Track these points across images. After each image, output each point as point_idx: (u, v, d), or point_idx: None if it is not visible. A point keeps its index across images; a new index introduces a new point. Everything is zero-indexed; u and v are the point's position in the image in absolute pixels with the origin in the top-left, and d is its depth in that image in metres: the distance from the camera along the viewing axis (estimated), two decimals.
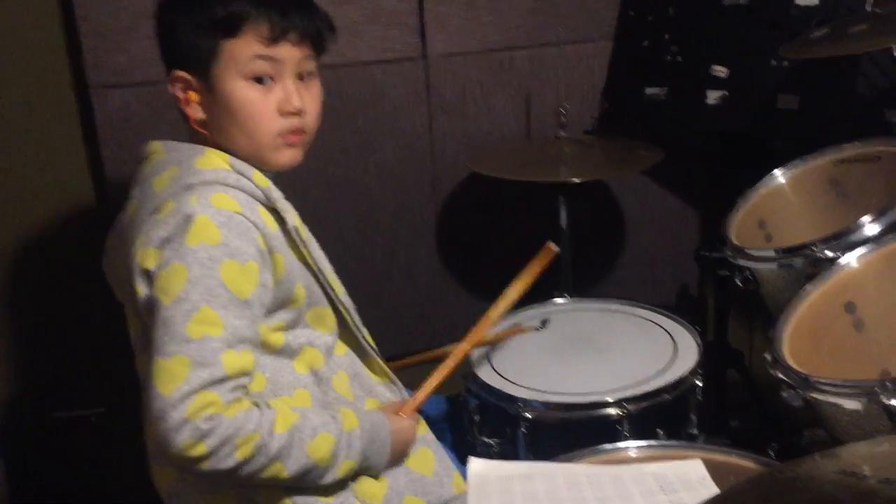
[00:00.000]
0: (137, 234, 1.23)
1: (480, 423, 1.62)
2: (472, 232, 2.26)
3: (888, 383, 1.06)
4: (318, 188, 2.10)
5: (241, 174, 1.25)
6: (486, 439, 1.61)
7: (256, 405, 1.20)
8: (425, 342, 1.70)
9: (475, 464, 1.21)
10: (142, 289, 1.21)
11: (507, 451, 1.57)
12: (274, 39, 1.25)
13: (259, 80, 1.26)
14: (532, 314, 1.85)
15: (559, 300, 1.91)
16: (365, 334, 1.44)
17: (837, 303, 1.35)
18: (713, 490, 1.12)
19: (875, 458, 0.84)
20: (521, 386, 1.58)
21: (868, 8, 1.83)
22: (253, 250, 1.20)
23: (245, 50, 1.24)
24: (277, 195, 1.28)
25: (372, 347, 1.44)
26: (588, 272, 2.33)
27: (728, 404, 2.24)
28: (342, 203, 2.14)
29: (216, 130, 1.29)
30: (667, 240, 2.43)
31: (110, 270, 1.35)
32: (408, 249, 2.24)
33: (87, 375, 2.10)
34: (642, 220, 2.40)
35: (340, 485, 1.30)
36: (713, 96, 2.04)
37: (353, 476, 1.31)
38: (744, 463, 1.18)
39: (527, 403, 1.53)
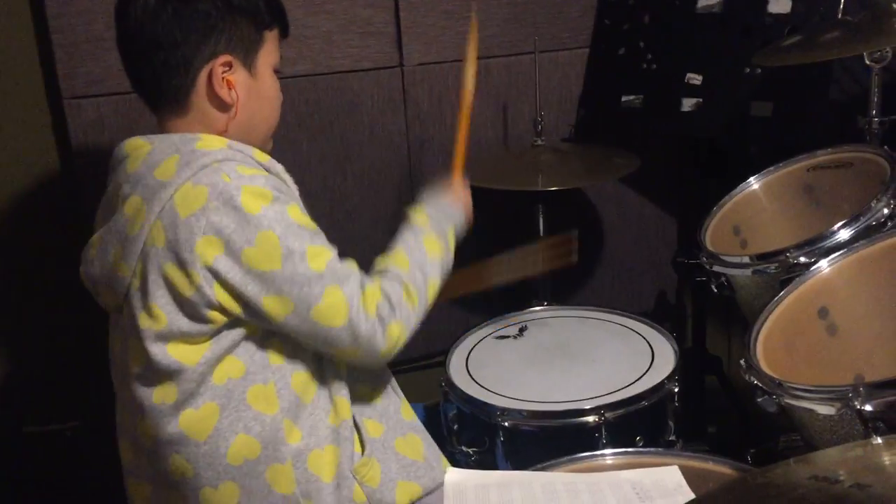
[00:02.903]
0: (152, 226, 1.22)
1: (458, 431, 1.62)
2: None
3: (861, 388, 1.06)
4: None
5: (241, 152, 1.30)
6: (464, 448, 1.61)
7: (379, 274, 1.36)
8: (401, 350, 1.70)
9: (452, 474, 1.21)
10: (199, 277, 1.21)
11: (486, 460, 1.57)
12: (284, 35, 1.39)
13: (276, 72, 1.38)
14: (510, 321, 1.85)
15: (537, 307, 1.91)
16: None
17: (811, 308, 1.36)
18: (689, 496, 1.12)
19: (848, 463, 0.85)
20: (498, 394, 1.58)
21: (839, 15, 1.84)
22: (291, 196, 1.31)
23: (275, 41, 1.37)
24: (280, 168, 1.35)
25: None
26: (566, 279, 2.34)
27: (707, 410, 2.25)
28: (319, 211, 2.09)
29: (241, 115, 1.34)
30: (644, 246, 2.44)
31: (100, 276, 1.31)
32: None
33: (62, 388, 2.08)
34: (620, 227, 2.41)
35: (339, 468, 1.32)
36: (688, 104, 2.06)
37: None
38: (721, 469, 1.18)
39: (505, 412, 1.53)
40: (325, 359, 1.35)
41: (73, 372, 2.06)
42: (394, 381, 1.47)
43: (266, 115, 1.38)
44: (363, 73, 2.08)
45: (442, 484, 1.38)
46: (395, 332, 1.30)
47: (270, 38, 1.35)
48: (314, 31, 2.00)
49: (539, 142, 2.05)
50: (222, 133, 1.33)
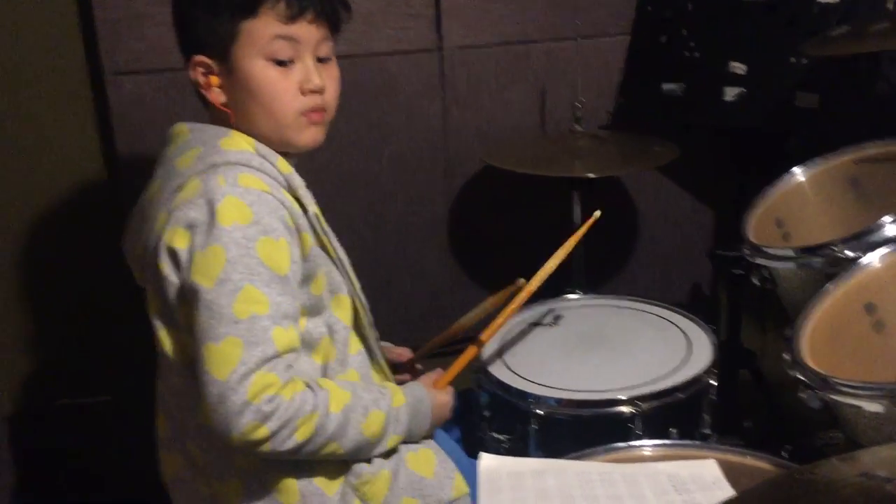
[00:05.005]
0: (160, 211, 1.23)
1: (490, 418, 1.61)
2: (484, 226, 2.25)
3: None
4: (331, 179, 2.09)
5: (265, 158, 1.26)
6: (496, 435, 1.60)
7: (309, 385, 1.22)
8: (432, 337, 1.69)
9: (486, 460, 1.20)
10: (166, 267, 1.21)
11: (518, 448, 1.55)
12: (292, 18, 1.25)
13: (279, 61, 1.27)
14: (544, 310, 1.83)
15: (572, 296, 1.90)
16: (375, 335, 1.43)
17: (857, 303, 1.33)
18: (728, 491, 1.10)
19: None
20: (532, 382, 1.57)
21: (890, 6, 1.80)
22: (282, 227, 1.22)
23: (264, 30, 1.25)
24: (299, 182, 1.29)
25: (379, 349, 1.44)
26: (601, 268, 2.32)
27: (740, 405, 2.22)
28: (354, 194, 2.13)
29: (239, 114, 1.29)
30: (680, 237, 2.41)
31: (130, 251, 1.34)
32: (419, 242, 2.23)
33: (94, 363, 2.10)
34: (656, 217, 2.38)
35: (342, 478, 1.30)
36: (731, 93, 2.02)
37: (368, 460, 1.33)
38: (759, 464, 1.17)
39: (538, 400, 1.51)
40: (333, 377, 1.33)
41: (105, 348, 2.08)
42: None
43: (270, 110, 1.27)
44: (401, 55, 2.07)
45: (448, 501, 1.38)
46: (258, 436, 1.15)
47: (251, 27, 1.24)
48: (354, 12, 1.98)
49: (577, 128, 2.03)
50: (250, 130, 1.29)
